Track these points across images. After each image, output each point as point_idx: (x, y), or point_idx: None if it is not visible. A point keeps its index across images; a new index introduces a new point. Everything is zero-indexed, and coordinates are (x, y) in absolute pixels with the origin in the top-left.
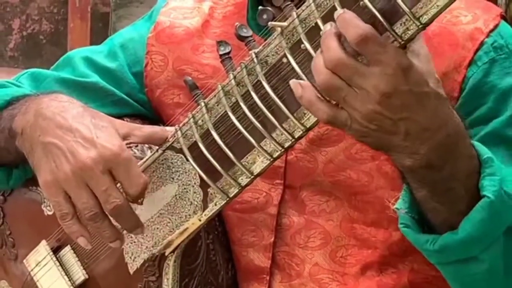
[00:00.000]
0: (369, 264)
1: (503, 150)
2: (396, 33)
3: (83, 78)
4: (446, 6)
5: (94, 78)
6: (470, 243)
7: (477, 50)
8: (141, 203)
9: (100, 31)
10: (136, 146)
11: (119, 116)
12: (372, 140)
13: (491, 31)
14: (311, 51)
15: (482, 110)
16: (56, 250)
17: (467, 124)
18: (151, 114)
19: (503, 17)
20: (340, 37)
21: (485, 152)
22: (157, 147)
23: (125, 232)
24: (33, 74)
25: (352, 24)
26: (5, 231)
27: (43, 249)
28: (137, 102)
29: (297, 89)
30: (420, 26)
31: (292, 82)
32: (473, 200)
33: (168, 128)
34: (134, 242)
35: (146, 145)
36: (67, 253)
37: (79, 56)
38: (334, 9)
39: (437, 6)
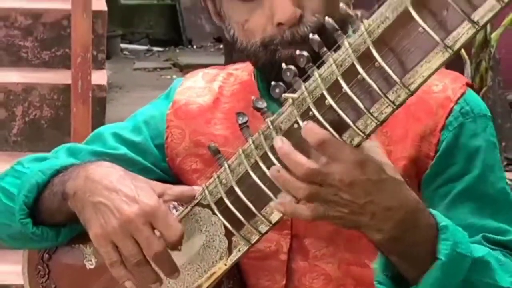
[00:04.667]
0: None
1: (473, 205)
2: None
3: (113, 150)
4: (430, 75)
5: (123, 150)
6: None
7: (447, 116)
8: (180, 250)
9: (97, 114)
10: None
11: None
12: (345, 221)
13: (459, 99)
14: (319, 117)
15: (454, 169)
16: None
17: (426, 198)
18: (173, 180)
19: (469, 85)
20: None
21: (441, 220)
22: (183, 205)
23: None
24: (70, 148)
25: (313, 132)
26: (51, 285)
27: None
28: (161, 170)
29: (280, 208)
30: (409, 93)
31: (273, 203)
32: (434, 261)
33: (195, 187)
34: (168, 287)
35: (171, 205)
36: None
37: (108, 132)
38: (337, 82)
39: (423, 76)
